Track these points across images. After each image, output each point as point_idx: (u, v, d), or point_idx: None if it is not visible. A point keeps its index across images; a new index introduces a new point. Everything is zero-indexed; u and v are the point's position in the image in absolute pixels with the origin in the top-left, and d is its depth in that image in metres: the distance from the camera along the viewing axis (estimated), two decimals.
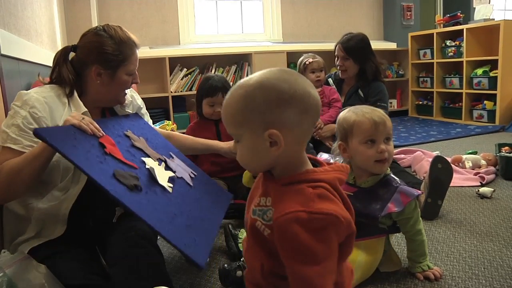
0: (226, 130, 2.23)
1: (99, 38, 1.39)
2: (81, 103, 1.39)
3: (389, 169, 1.48)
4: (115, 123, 1.49)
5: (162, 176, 1.43)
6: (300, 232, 0.79)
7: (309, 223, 0.79)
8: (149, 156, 1.49)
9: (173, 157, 1.66)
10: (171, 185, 1.44)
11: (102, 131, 1.31)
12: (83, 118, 1.28)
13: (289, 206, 0.81)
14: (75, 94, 1.39)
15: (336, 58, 2.74)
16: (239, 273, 1.41)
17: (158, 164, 1.50)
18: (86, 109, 1.38)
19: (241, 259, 1.46)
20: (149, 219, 1.17)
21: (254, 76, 0.88)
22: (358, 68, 2.68)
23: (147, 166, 1.40)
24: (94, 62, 1.38)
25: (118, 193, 1.18)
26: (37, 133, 1.12)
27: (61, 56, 1.42)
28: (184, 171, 1.65)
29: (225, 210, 1.69)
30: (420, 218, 1.47)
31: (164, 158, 1.58)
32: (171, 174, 1.50)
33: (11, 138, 1.23)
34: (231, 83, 4.79)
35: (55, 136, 1.17)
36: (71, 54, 1.44)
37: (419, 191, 1.44)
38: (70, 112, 1.36)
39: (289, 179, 0.87)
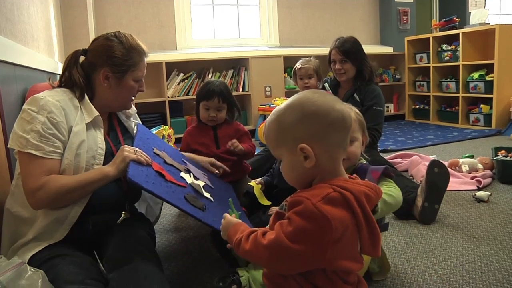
0: (224, 136, 2.22)
1: (110, 43, 1.41)
2: (92, 107, 1.40)
3: (361, 158, 1.54)
4: (142, 142, 1.52)
5: (202, 188, 1.52)
6: (297, 214, 0.87)
7: (306, 212, 0.86)
8: (181, 171, 1.57)
9: (186, 163, 1.70)
10: (209, 193, 1.54)
11: (150, 158, 1.39)
12: (136, 151, 1.34)
13: (303, 193, 0.90)
14: (86, 97, 1.40)
15: (332, 64, 2.73)
16: (234, 287, 1.39)
17: (189, 176, 1.58)
18: (98, 113, 1.40)
19: (236, 273, 1.43)
20: None
21: (286, 101, 0.98)
22: (355, 70, 2.68)
23: (188, 182, 1.50)
24: (103, 65, 1.40)
25: (205, 218, 1.30)
26: (132, 180, 1.20)
27: (71, 59, 1.43)
28: (200, 174, 1.72)
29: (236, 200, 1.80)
30: (394, 192, 1.46)
31: (187, 168, 1.65)
32: (202, 183, 1.57)
33: (32, 144, 1.24)
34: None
35: (139, 178, 1.24)
36: (81, 58, 1.46)
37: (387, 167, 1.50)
38: (83, 116, 1.37)
39: (321, 183, 0.94)
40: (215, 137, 2.10)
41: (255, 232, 0.95)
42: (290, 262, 0.88)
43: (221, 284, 1.38)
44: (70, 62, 1.43)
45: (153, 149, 1.54)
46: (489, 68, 4.73)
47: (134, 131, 1.61)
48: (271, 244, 0.88)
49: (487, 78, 4.69)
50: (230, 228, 1.04)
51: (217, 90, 2.04)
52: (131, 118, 1.63)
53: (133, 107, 1.70)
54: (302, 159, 0.93)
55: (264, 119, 4.39)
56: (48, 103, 1.28)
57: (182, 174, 1.55)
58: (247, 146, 2.08)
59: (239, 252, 0.96)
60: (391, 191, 1.44)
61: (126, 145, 1.37)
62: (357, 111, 1.55)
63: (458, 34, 4.95)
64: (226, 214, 1.10)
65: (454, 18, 5.24)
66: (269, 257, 0.89)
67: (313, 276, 0.92)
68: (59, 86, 1.43)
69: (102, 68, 1.40)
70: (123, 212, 1.46)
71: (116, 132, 1.54)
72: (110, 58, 1.40)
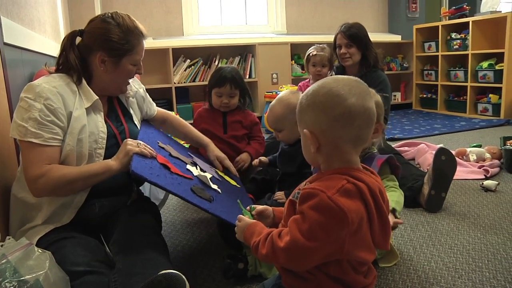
0: (233, 121, 2.25)
1: (106, 25, 1.37)
2: (91, 90, 1.37)
3: (374, 148, 1.55)
4: (146, 135, 1.51)
5: (209, 180, 1.53)
6: (312, 208, 0.86)
7: (321, 206, 0.84)
8: (186, 163, 1.56)
9: (192, 157, 1.70)
10: (216, 185, 1.54)
11: (155, 151, 1.38)
12: (139, 144, 1.33)
13: (317, 184, 0.90)
14: (84, 81, 1.38)
15: (337, 49, 2.71)
16: (240, 265, 1.41)
17: (196, 169, 1.58)
18: (97, 97, 1.37)
19: (243, 250, 1.47)
20: None
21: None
22: (361, 56, 2.66)
23: (195, 174, 1.50)
24: (99, 48, 1.36)
25: (212, 209, 1.32)
26: (135, 173, 1.20)
27: (68, 41, 1.40)
28: (207, 167, 1.73)
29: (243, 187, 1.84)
30: (395, 179, 1.54)
31: (193, 161, 1.65)
32: (209, 175, 1.57)
33: (31, 132, 1.23)
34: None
35: (143, 170, 1.24)
36: (78, 39, 1.43)
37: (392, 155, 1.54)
38: (81, 100, 1.34)
39: (333, 171, 0.93)
40: (224, 122, 2.10)
41: (271, 234, 0.94)
42: (308, 260, 0.88)
43: (229, 260, 1.41)
44: (66, 45, 1.39)
45: (158, 143, 1.54)
46: (499, 57, 4.65)
47: (131, 111, 1.59)
48: (288, 246, 0.87)
49: (497, 67, 4.63)
50: (245, 229, 1.03)
51: (229, 76, 2.03)
52: (130, 99, 1.60)
53: (141, 88, 1.67)
54: (308, 142, 0.94)
55: None
56: (44, 89, 1.26)
57: (188, 166, 1.55)
58: (254, 150, 2.09)
59: (257, 255, 0.97)
60: (398, 193, 1.49)
61: (129, 139, 1.36)
62: (378, 99, 1.50)
63: (468, 22, 4.87)
64: (241, 215, 1.09)
65: (464, 6, 5.16)
66: (287, 259, 0.90)
67: (326, 266, 0.92)
68: (57, 70, 1.40)
69: (98, 51, 1.37)
70: (132, 193, 1.47)
71: (117, 113, 1.52)
72: (106, 42, 1.36)
